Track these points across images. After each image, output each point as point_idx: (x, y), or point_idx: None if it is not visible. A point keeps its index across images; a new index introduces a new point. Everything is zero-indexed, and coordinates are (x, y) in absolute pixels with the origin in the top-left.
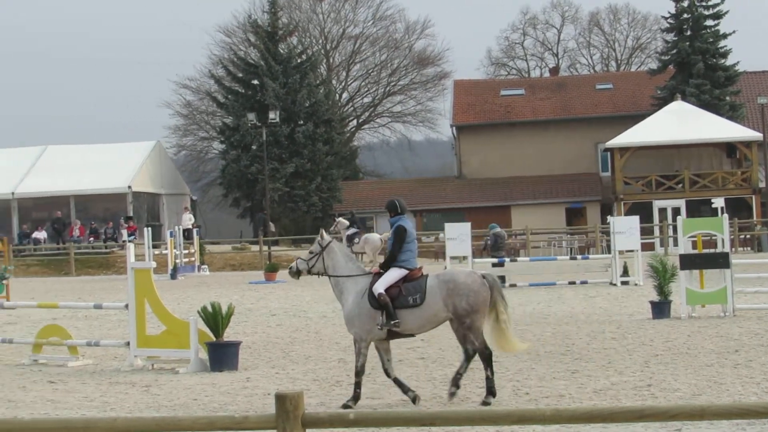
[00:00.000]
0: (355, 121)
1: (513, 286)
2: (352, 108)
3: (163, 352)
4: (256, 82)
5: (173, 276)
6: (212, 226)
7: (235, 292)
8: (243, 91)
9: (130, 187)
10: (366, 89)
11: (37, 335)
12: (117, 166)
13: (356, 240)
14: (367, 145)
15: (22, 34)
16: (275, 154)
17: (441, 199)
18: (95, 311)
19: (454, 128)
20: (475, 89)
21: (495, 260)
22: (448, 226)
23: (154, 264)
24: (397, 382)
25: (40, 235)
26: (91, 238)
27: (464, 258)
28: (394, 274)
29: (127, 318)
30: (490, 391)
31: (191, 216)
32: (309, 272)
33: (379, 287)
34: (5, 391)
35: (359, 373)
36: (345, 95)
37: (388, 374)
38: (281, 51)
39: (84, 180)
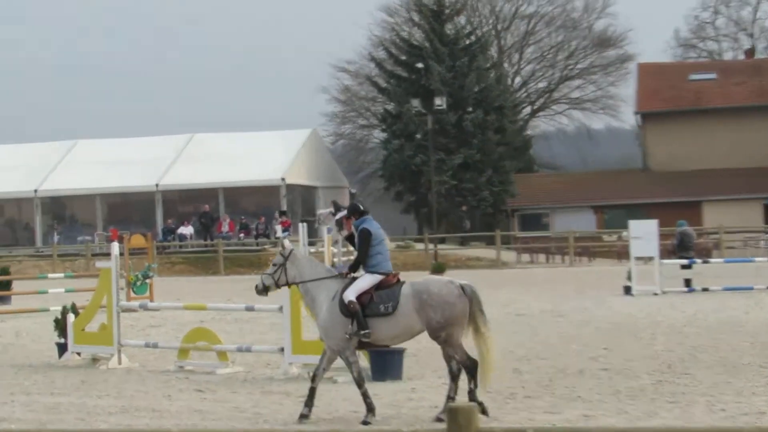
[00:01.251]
0: (528, 108)
1: (705, 290)
2: (525, 94)
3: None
4: (420, 65)
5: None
6: None
7: None
8: (406, 75)
9: (283, 179)
10: (541, 73)
11: (183, 339)
12: (269, 156)
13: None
14: (543, 134)
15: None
16: (441, 143)
17: (624, 194)
18: (246, 314)
19: (638, 116)
20: (662, 73)
21: (684, 261)
22: (632, 223)
23: None
24: (311, 393)
25: (187, 230)
26: (241, 234)
27: (650, 259)
28: (367, 281)
29: (281, 322)
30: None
31: (344, 211)
32: (277, 286)
33: (350, 294)
34: (149, 399)
35: (359, 383)
36: (518, 80)
37: (313, 379)
38: (448, 31)
39: (233, 171)
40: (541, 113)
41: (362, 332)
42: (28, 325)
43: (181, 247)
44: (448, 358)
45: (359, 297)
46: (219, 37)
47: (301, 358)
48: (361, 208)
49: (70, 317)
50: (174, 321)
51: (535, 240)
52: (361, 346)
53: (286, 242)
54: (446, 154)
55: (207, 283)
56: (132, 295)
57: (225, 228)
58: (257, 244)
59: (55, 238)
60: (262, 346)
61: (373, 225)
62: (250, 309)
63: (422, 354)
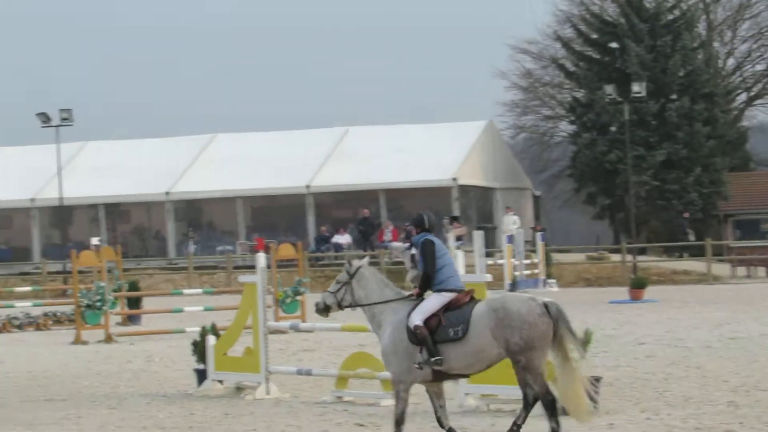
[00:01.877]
0: (744, 95)
1: None
2: (740, 78)
3: (502, 389)
4: (615, 45)
5: (512, 292)
6: (559, 229)
7: (592, 314)
8: (598, 57)
9: (455, 179)
10: (759, 53)
11: (341, 366)
12: (438, 152)
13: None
14: (761, 125)
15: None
16: (640, 137)
17: None
18: None
19: None
20: None
21: None
22: None
23: (488, 277)
24: None
25: (343, 239)
26: (406, 243)
27: None
28: (434, 301)
29: None
30: None
31: (516, 219)
32: (339, 306)
33: (416, 318)
34: None
35: (398, 422)
36: (731, 62)
37: (441, 424)
38: (647, 5)
39: (396, 170)
40: (759, 101)
41: (433, 360)
42: (161, 349)
43: (336, 258)
44: (524, 384)
45: (427, 321)
46: None
47: (480, 388)
48: (427, 224)
49: (210, 340)
50: (330, 344)
51: (753, 250)
52: (438, 377)
53: (356, 261)
54: (646, 149)
55: None
56: (281, 314)
57: (387, 236)
58: None
59: (191, 247)
60: None
61: (434, 238)
62: None
63: (620, 383)
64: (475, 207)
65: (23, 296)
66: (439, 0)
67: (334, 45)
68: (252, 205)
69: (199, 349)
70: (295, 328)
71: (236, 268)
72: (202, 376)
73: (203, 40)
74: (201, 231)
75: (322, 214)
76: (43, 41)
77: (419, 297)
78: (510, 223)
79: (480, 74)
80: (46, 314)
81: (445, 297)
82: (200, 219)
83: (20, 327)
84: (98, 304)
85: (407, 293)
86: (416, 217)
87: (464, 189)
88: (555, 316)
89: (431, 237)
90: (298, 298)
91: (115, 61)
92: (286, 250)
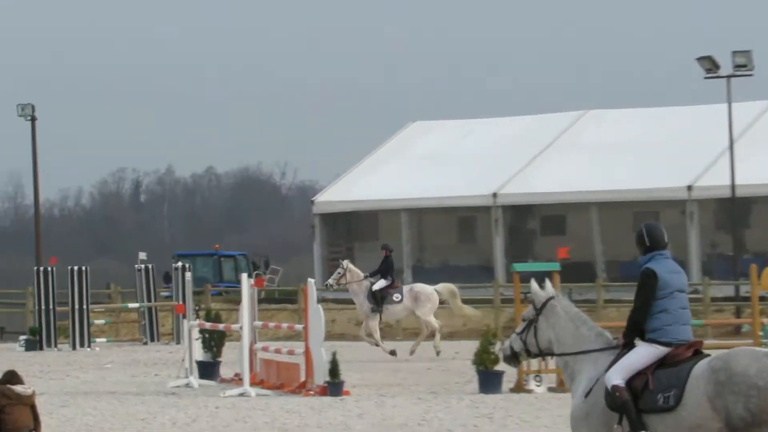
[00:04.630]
0: None
1: None
2: None
3: None
4: None
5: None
6: None
7: None
8: None
9: None
10: None
11: None
12: None
13: (396, 297)
14: None
15: None
16: None
17: None
18: None
19: None
20: None
21: None
22: None
23: None
24: None
25: None
26: None
27: None
28: (641, 355)
29: None
30: None
31: None
32: (527, 353)
33: (615, 376)
34: None
35: None
36: None
37: None
38: None
39: None
40: None
41: None
42: None
43: None
44: None
45: (631, 380)
46: None
47: None
48: (648, 239)
49: None
50: None
51: None
52: None
53: (542, 289)
54: None
55: None
56: None
57: None
58: None
59: None
60: None
61: (663, 265)
62: None
63: None
64: None
65: None
66: None
67: None
68: None
69: None
70: None
71: None
72: None
73: None
74: None
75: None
76: None
77: (625, 347)
78: None
79: None
80: None
81: (658, 350)
82: None
83: None
84: None
85: (612, 338)
86: (637, 234)
87: None
88: None
89: (656, 265)
90: None
91: None
92: None
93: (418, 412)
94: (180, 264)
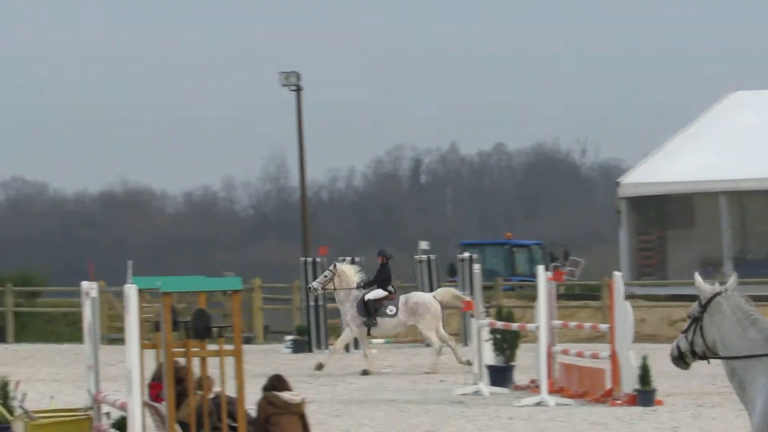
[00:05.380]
0: None
1: None
2: None
3: None
4: None
5: None
6: None
7: None
8: None
9: None
10: None
11: None
12: None
13: (390, 310)
14: None
15: None
16: None
17: None
18: None
19: None
20: None
21: None
22: None
23: None
24: None
25: None
26: None
27: None
28: None
29: None
30: None
31: None
32: (694, 354)
33: None
34: None
35: None
36: None
37: None
38: None
39: None
40: None
41: None
42: None
43: None
44: None
45: None
46: None
47: None
48: None
49: None
50: None
51: None
52: None
53: (709, 284)
54: None
55: None
56: None
57: None
58: None
59: None
60: None
61: None
62: None
63: None
64: None
65: None
66: None
67: None
68: None
69: None
70: None
71: None
72: None
73: None
74: None
75: None
76: None
77: None
78: None
79: None
80: None
81: None
82: None
83: None
84: None
85: None
86: None
87: None
88: None
89: None
90: None
91: None
92: None
93: (741, 426)
94: (466, 255)
